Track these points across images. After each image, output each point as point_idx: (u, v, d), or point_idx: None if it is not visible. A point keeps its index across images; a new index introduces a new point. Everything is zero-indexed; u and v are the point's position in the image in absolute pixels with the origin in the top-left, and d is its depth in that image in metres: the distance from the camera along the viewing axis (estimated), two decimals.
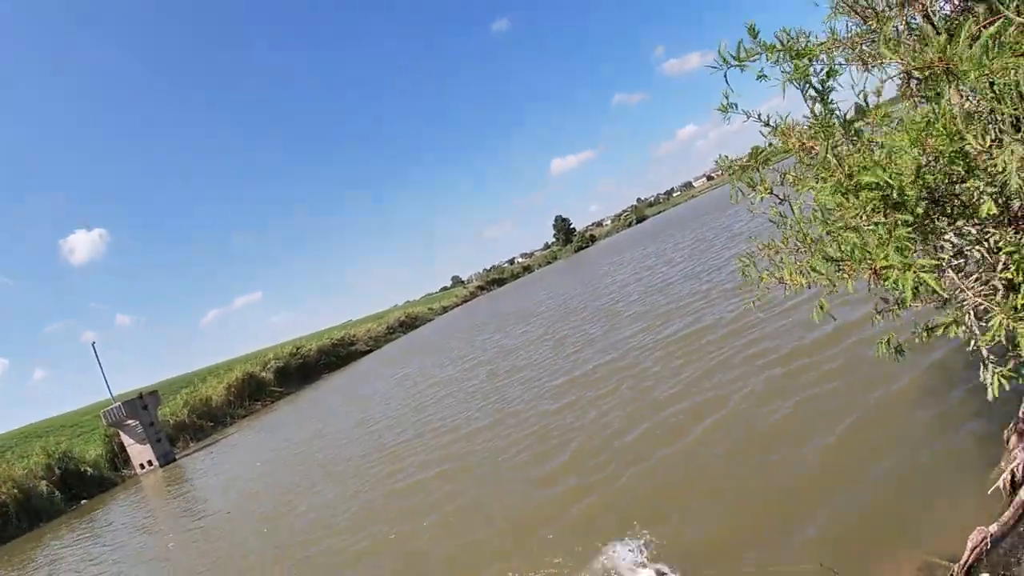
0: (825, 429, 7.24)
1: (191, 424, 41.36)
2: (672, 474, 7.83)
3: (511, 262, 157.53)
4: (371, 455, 15.38)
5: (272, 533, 12.19)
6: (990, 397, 2.79)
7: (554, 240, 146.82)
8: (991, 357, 2.81)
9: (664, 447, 8.61)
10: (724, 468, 7.40)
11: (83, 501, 29.78)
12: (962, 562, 4.31)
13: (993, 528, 4.37)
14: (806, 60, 2.98)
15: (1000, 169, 2.41)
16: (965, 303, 2.78)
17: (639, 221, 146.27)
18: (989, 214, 2.53)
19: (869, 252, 2.54)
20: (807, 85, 3.03)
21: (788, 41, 3.03)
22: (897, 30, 3.31)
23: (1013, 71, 2.31)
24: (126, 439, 34.24)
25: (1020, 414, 4.88)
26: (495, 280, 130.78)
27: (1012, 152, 2.32)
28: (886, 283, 2.52)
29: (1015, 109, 2.40)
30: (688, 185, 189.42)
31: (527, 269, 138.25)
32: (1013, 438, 4.88)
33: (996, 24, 2.38)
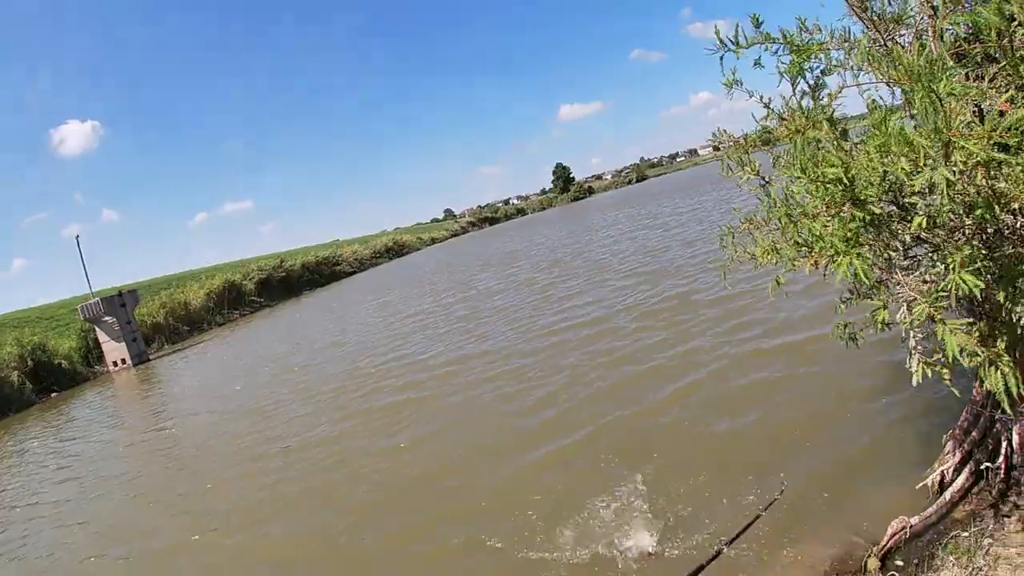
0: (782, 406, 7.58)
1: (167, 326, 41.11)
2: (625, 432, 8.04)
3: (506, 202, 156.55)
4: (343, 376, 15.44)
5: (237, 438, 12.33)
6: (914, 383, 3.00)
7: (552, 187, 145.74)
8: (918, 347, 3.00)
9: (623, 408, 8.77)
10: (669, 432, 7.72)
11: (53, 394, 29.68)
12: (880, 545, 4.68)
13: (915, 520, 4.70)
14: (803, 56, 3.12)
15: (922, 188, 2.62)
16: (900, 296, 2.92)
17: (639, 180, 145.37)
18: (920, 227, 2.68)
19: (822, 240, 2.73)
20: (800, 79, 3.16)
21: (789, 36, 3.15)
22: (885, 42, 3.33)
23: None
24: (101, 336, 34.02)
25: (959, 422, 5.14)
26: (487, 218, 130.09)
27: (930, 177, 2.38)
28: (829, 267, 2.75)
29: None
30: (693, 152, 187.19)
31: (520, 212, 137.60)
32: (950, 443, 5.13)
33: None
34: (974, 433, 5.01)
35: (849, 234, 2.68)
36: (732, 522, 5.55)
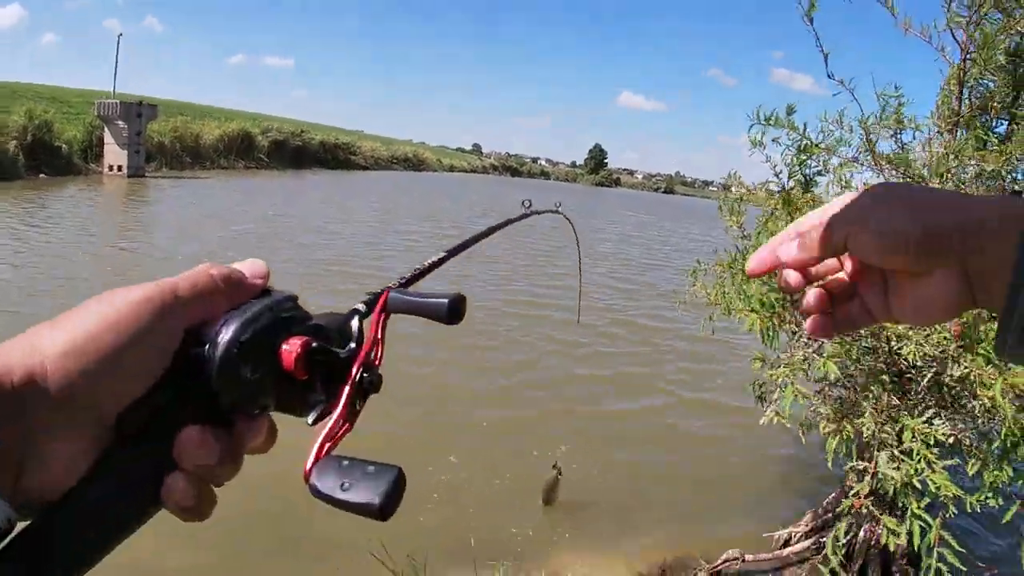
0: (696, 421, 8.43)
1: (172, 151, 40.95)
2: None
3: (534, 160, 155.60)
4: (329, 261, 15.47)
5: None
6: (762, 422, 3.59)
7: (583, 164, 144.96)
8: (776, 402, 3.61)
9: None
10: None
11: (42, 175, 29.65)
12: (710, 566, 5.11)
13: (749, 556, 5.14)
14: (806, 153, 3.46)
15: None
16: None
17: (667, 191, 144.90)
18: None
19: (749, 298, 3.26)
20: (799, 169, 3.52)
21: (799, 131, 3.45)
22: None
23: None
24: (107, 137, 33.80)
25: (829, 498, 5.39)
26: (511, 168, 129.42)
27: None
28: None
29: None
30: (726, 187, 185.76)
31: (544, 174, 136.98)
32: (809, 513, 5.43)
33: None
34: (831, 514, 5.26)
35: (768, 301, 3.19)
36: None
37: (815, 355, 3.24)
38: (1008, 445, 2.69)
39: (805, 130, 3.38)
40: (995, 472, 2.76)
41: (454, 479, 6.32)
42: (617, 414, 8.78)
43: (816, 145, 3.41)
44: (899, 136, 3.60)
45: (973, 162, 3.22)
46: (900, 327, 2.93)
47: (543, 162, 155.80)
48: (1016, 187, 3.25)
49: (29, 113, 30.74)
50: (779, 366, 3.42)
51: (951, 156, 3.26)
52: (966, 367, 2.70)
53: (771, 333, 3.27)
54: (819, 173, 3.59)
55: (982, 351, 2.63)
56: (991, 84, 3.78)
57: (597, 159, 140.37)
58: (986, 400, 2.64)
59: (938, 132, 3.71)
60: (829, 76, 3.52)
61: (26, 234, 16.13)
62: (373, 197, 36.93)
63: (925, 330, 2.86)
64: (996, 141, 3.32)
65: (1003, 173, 3.14)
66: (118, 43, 38.56)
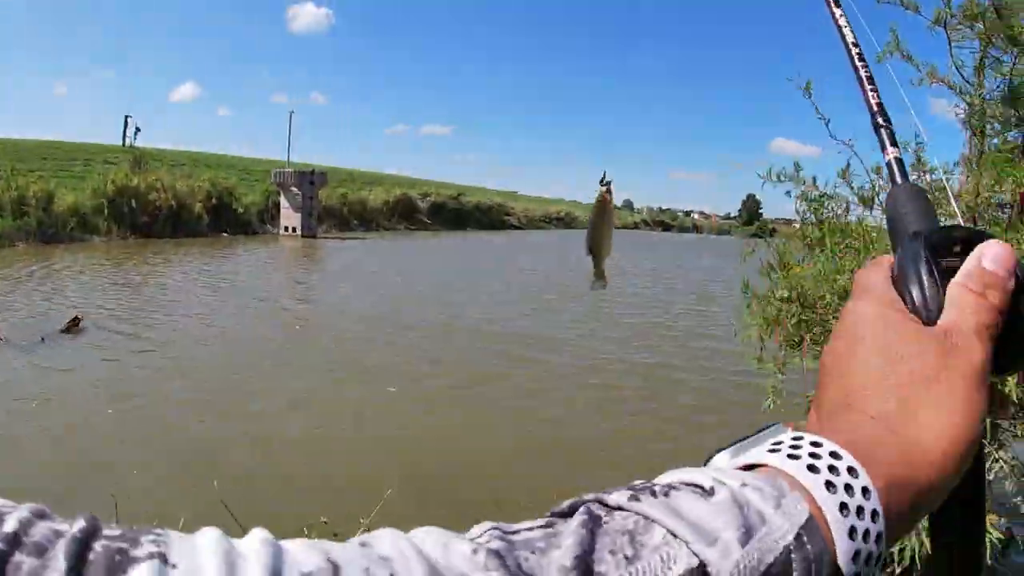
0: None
1: (341, 214, 43.31)
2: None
3: (687, 214, 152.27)
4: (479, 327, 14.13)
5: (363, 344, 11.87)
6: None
7: (737, 215, 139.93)
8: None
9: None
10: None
11: (223, 234, 32.09)
12: None
13: None
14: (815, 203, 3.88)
15: None
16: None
17: None
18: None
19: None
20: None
21: (806, 183, 3.95)
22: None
23: None
24: (283, 202, 36.46)
25: None
26: (662, 223, 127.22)
27: None
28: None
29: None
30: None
31: (696, 228, 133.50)
32: None
33: None
34: None
35: (769, 316, 3.65)
36: None
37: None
38: None
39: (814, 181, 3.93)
40: None
41: None
42: None
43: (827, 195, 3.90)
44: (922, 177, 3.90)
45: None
46: None
47: (696, 215, 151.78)
48: None
49: (212, 180, 33.64)
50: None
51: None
52: None
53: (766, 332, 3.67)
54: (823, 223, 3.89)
55: None
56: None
57: (752, 210, 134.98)
58: None
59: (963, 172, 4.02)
60: (832, 137, 3.90)
61: (222, 284, 17.71)
62: (530, 258, 36.71)
63: None
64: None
65: None
66: (290, 118, 41.76)
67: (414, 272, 21.47)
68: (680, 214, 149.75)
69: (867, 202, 4.03)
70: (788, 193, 4.09)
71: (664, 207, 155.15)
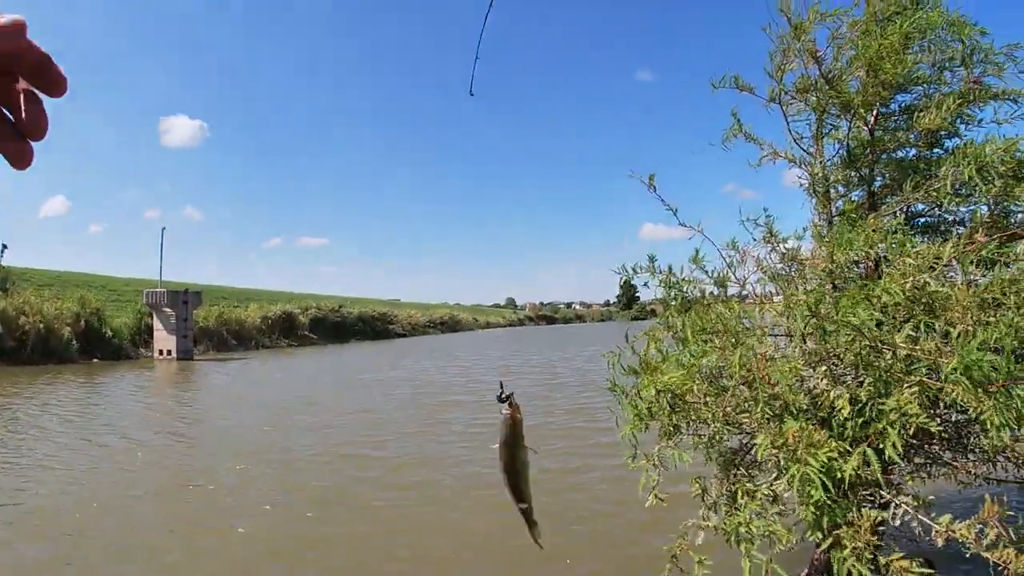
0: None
1: (217, 334, 42.72)
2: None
3: (568, 305, 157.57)
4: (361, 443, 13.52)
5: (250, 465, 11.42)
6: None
7: (616, 301, 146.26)
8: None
9: None
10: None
11: (95, 360, 31.18)
12: None
13: None
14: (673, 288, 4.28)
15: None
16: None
17: None
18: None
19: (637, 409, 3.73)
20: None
21: (666, 274, 4.31)
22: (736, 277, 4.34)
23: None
24: (156, 324, 35.62)
25: None
26: (546, 317, 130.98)
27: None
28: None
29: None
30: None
31: (580, 318, 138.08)
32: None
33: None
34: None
35: (641, 411, 3.66)
36: None
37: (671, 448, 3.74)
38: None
39: (670, 270, 4.33)
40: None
41: None
42: None
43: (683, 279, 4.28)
44: (776, 248, 4.34)
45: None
46: None
47: (577, 306, 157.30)
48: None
49: (81, 301, 32.87)
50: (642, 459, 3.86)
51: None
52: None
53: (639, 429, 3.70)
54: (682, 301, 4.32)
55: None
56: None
57: (629, 295, 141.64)
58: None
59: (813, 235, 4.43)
60: (682, 224, 4.45)
61: (93, 412, 16.77)
62: (408, 367, 37.17)
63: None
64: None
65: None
66: (162, 235, 41.56)
67: (284, 396, 20.55)
68: (562, 306, 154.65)
69: (721, 283, 4.27)
70: (646, 284, 4.40)
71: (546, 301, 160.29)
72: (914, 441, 3.73)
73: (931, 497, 3.76)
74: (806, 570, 4.94)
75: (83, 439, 13.40)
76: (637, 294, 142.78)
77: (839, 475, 2.82)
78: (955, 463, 4.03)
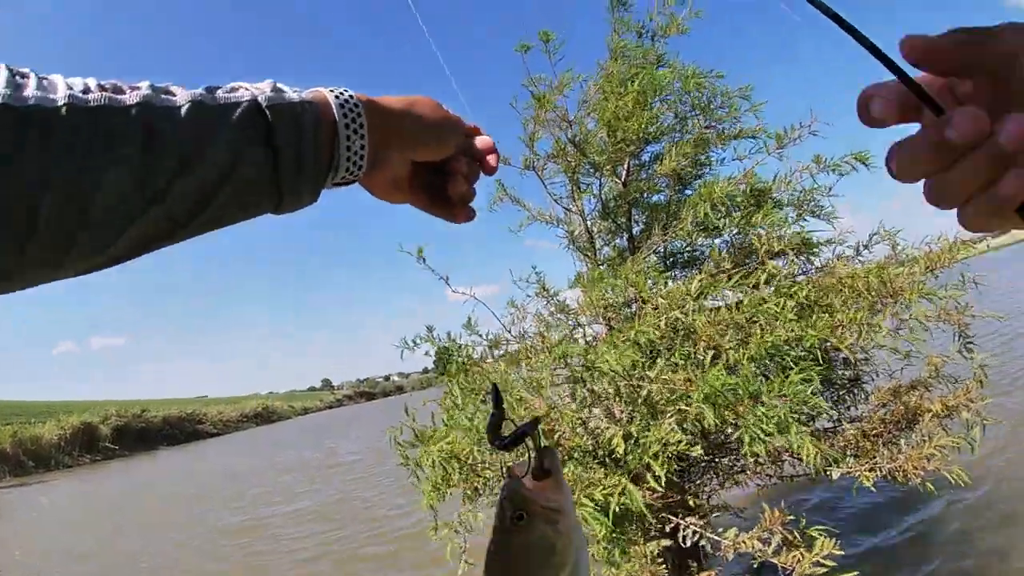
0: None
1: (13, 458, 39.23)
2: None
3: (386, 378, 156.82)
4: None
5: None
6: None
7: (433, 368, 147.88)
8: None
9: None
10: None
11: None
12: None
13: None
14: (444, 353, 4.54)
15: None
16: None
17: None
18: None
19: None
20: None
21: (449, 340, 4.58)
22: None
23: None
24: None
25: None
26: (365, 393, 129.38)
27: None
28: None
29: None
30: None
31: (400, 389, 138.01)
32: None
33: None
34: None
35: (437, 481, 3.69)
36: None
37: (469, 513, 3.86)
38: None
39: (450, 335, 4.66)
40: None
41: None
42: None
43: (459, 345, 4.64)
44: (551, 300, 4.63)
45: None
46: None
47: (395, 377, 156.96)
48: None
49: None
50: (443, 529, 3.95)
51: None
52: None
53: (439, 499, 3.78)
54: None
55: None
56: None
57: (445, 360, 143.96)
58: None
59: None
60: (456, 291, 4.68)
61: None
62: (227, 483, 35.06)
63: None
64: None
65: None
66: None
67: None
68: (380, 380, 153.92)
69: (495, 345, 4.51)
70: (427, 353, 4.58)
71: (362, 377, 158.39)
72: (704, 459, 4.02)
73: (717, 514, 4.14)
74: None
75: None
76: (451, 355, 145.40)
77: (615, 510, 2.92)
78: (745, 471, 4.30)
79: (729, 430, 3.26)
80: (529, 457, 0.72)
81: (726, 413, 2.93)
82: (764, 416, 2.81)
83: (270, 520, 14.25)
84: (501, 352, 4.58)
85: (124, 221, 0.49)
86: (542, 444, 0.72)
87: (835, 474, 3.26)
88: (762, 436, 2.78)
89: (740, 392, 2.90)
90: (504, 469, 0.81)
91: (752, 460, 3.71)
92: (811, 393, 2.90)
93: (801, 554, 2.78)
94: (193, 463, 37.10)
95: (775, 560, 2.84)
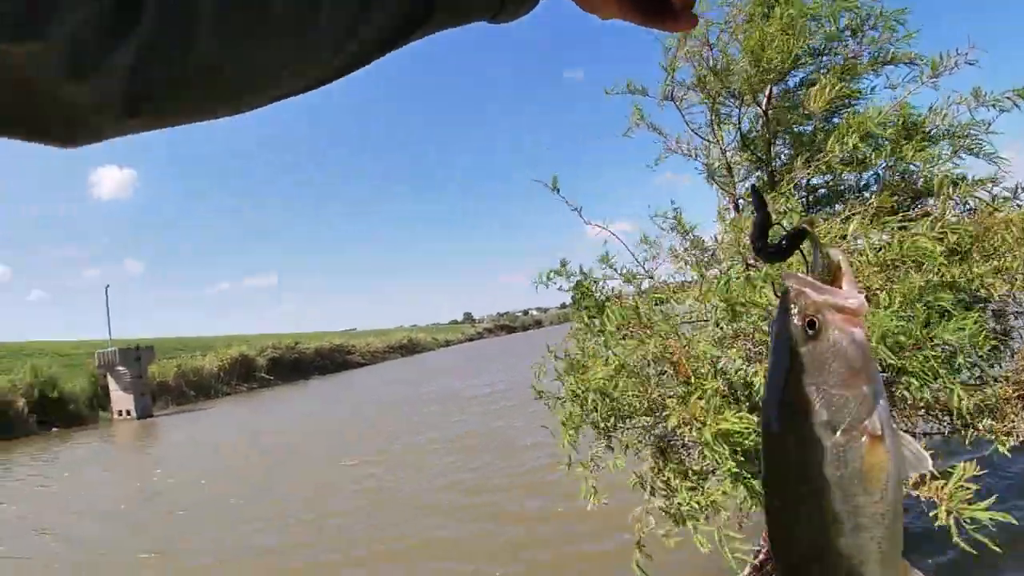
0: None
1: (176, 388, 41.96)
2: None
3: (525, 312, 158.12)
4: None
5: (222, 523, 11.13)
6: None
7: (571, 303, 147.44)
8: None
9: None
10: None
11: (54, 428, 30.39)
12: None
13: None
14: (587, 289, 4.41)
15: None
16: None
17: None
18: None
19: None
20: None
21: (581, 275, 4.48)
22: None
23: None
24: (112, 384, 34.82)
25: None
26: (505, 326, 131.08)
27: None
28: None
29: None
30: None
31: (538, 323, 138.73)
32: None
33: None
34: None
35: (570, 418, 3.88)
36: None
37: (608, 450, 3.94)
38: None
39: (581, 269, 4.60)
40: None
41: None
42: None
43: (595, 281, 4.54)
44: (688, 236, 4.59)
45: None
46: None
47: (534, 312, 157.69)
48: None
49: (34, 370, 32.02)
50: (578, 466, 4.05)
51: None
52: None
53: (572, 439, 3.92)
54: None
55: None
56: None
57: (582, 294, 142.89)
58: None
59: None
60: (589, 223, 4.76)
61: (49, 491, 16.07)
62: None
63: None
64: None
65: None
66: (106, 293, 40.71)
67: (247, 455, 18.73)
68: (519, 314, 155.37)
69: (630, 279, 4.40)
70: (560, 288, 4.55)
71: (503, 311, 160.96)
72: None
73: None
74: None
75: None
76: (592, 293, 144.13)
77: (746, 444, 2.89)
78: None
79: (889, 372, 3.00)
80: (805, 261, 0.61)
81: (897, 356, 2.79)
82: (934, 359, 2.76)
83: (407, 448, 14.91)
84: (632, 290, 4.49)
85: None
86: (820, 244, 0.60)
87: (970, 435, 3.31)
88: (931, 380, 2.77)
89: (912, 334, 2.79)
90: None
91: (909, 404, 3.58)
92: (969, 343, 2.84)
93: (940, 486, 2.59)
94: (342, 391, 38.97)
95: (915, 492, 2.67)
